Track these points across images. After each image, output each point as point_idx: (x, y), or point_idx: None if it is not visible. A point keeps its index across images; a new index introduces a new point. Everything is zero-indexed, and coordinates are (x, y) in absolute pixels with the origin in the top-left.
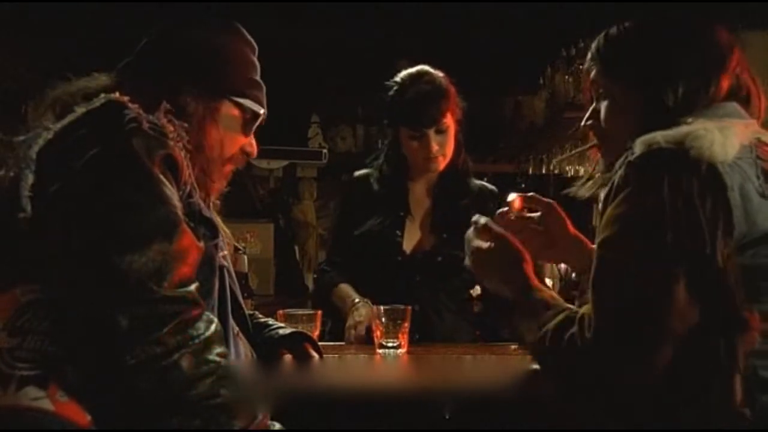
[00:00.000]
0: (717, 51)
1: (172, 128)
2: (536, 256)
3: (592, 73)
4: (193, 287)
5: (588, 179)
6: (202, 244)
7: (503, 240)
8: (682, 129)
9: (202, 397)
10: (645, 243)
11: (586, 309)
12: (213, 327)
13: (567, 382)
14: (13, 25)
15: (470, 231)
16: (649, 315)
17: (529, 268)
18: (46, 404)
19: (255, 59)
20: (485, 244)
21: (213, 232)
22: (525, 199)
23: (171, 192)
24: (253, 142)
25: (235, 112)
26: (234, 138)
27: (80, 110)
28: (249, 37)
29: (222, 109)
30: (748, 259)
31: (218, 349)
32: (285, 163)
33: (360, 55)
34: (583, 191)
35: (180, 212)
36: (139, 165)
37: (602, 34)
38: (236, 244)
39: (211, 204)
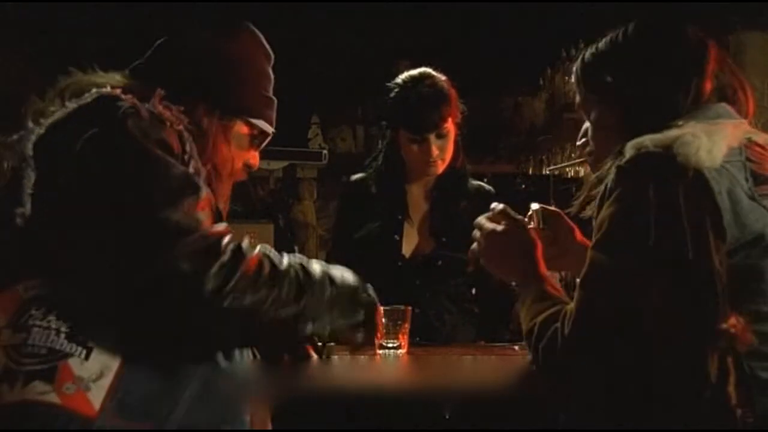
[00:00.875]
0: (689, 58)
1: (168, 113)
2: (546, 266)
3: (577, 98)
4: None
5: (586, 199)
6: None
7: (520, 225)
8: (672, 133)
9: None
10: (628, 245)
11: (570, 306)
12: (246, 242)
13: (549, 376)
14: (13, 25)
15: (481, 217)
16: (620, 316)
17: (539, 257)
18: (53, 398)
19: (270, 70)
20: (500, 227)
21: (218, 219)
22: (537, 211)
23: (177, 165)
24: (256, 154)
25: (245, 130)
26: (241, 154)
27: (71, 105)
28: (265, 43)
29: (234, 127)
30: (740, 261)
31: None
32: (285, 163)
33: (360, 55)
34: (588, 212)
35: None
36: (137, 142)
37: (579, 59)
38: None
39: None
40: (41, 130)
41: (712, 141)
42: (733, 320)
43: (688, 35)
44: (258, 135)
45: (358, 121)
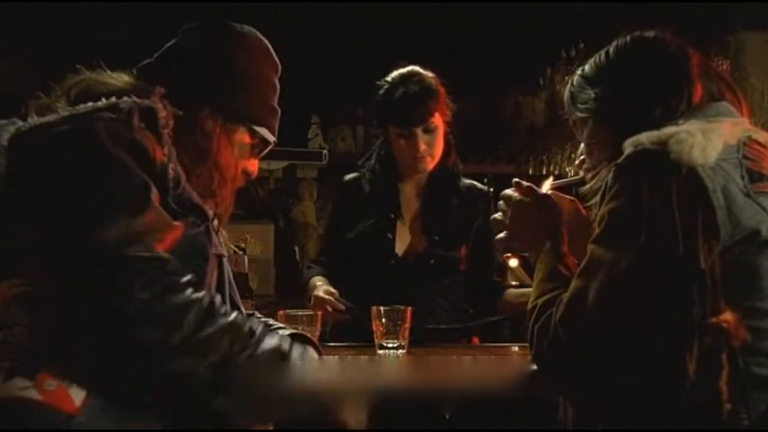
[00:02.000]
0: (672, 67)
1: (164, 113)
2: None
3: (570, 119)
4: (162, 252)
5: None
6: (185, 227)
7: (546, 197)
8: (668, 130)
9: (190, 334)
10: (622, 240)
11: (566, 294)
12: (190, 276)
13: (539, 360)
14: (13, 25)
15: (509, 190)
16: (609, 308)
17: (564, 232)
18: (33, 394)
19: (276, 80)
20: (527, 199)
21: (202, 218)
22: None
23: (138, 176)
24: (255, 162)
25: (247, 137)
26: (240, 161)
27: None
28: (273, 53)
29: (237, 132)
30: (735, 257)
31: (198, 293)
32: (285, 163)
33: (360, 55)
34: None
35: (152, 194)
36: (99, 147)
37: (567, 86)
38: (233, 246)
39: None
40: (24, 127)
41: (707, 139)
42: (726, 316)
43: (668, 46)
44: (258, 143)
45: (358, 121)
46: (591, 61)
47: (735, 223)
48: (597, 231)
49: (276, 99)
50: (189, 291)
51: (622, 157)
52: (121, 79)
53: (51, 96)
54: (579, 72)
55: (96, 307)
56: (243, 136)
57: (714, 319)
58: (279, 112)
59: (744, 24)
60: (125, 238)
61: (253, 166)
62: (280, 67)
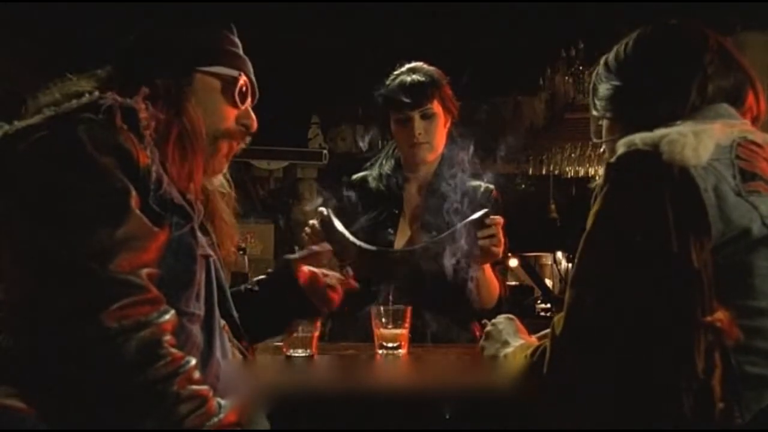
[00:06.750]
0: (687, 63)
1: (145, 115)
2: None
3: (592, 111)
4: (144, 272)
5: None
6: (170, 231)
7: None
8: (661, 131)
9: (147, 383)
10: (613, 241)
11: (559, 315)
12: (167, 316)
13: (549, 374)
14: (12, 25)
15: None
16: (607, 312)
17: (526, 336)
18: (18, 402)
19: (232, 36)
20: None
21: (186, 219)
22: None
23: (119, 180)
24: (250, 113)
25: (212, 83)
26: (219, 110)
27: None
28: (231, 25)
29: (195, 83)
30: (727, 256)
31: (167, 337)
32: (285, 163)
33: (360, 55)
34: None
35: (132, 200)
36: (81, 152)
37: (593, 75)
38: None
39: (197, 187)
40: (9, 131)
41: (698, 139)
42: (719, 315)
43: (688, 39)
44: (229, 86)
45: (359, 121)
46: (612, 52)
47: (726, 222)
48: (586, 232)
49: (234, 48)
50: (154, 330)
51: (614, 157)
52: (95, 77)
53: (46, 97)
54: (602, 61)
55: (62, 322)
56: (206, 84)
57: (707, 318)
58: (245, 59)
59: (743, 24)
60: (104, 251)
61: (248, 117)
62: (234, 29)
